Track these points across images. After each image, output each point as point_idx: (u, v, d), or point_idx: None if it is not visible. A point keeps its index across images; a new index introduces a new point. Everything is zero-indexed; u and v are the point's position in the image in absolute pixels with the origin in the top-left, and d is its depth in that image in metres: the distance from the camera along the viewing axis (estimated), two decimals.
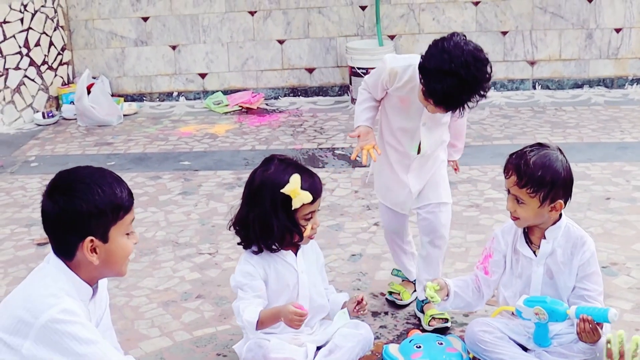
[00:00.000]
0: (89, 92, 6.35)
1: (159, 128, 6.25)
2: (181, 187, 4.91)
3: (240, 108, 6.66)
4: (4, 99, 6.25)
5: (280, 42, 6.85)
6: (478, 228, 4.12)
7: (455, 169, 3.46)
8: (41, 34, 6.53)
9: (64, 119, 6.53)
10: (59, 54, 6.76)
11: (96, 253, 2.21)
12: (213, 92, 6.92)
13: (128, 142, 5.90)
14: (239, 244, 2.86)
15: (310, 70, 6.90)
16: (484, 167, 5.00)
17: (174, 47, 6.87)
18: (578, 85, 6.81)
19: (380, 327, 3.22)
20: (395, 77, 2.99)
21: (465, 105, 2.84)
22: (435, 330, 3.15)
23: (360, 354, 2.85)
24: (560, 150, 2.76)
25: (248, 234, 2.80)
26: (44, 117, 6.42)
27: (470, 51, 2.75)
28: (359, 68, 6.40)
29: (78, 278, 2.23)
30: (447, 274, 3.56)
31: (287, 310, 2.65)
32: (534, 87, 6.84)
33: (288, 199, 2.71)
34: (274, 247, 2.80)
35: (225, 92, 6.89)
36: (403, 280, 3.47)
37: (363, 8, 6.76)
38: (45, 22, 6.57)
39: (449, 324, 3.18)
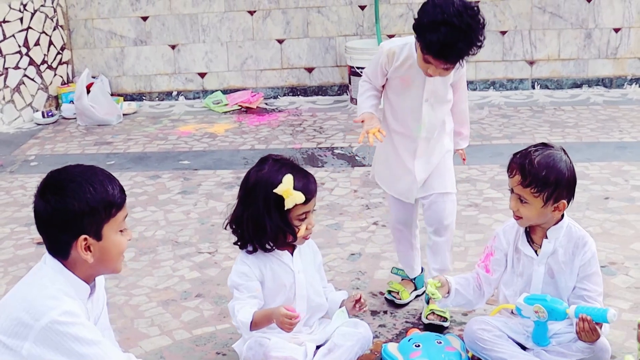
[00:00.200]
0: (88, 92, 6.36)
1: (158, 127, 6.25)
2: (180, 187, 4.92)
3: (240, 107, 6.67)
4: (4, 98, 6.26)
5: (280, 41, 6.85)
6: (477, 227, 4.13)
7: (463, 159, 3.44)
8: (41, 33, 6.54)
9: (64, 118, 6.54)
10: (58, 53, 6.77)
11: (90, 251, 2.21)
12: (212, 92, 6.93)
13: (127, 141, 5.90)
14: (234, 243, 2.87)
15: (310, 70, 6.91)
16: (483, 166, 5.01)
17: (173, 47, 6.88)
18: (577, 84, 6.82)
19: (380, 326, 3.23)
20: (393, 56, 3.07)
21: (465, 56, 2.89)
22: (431, 326, 3.16)
23: (359, 353, 2.86)
24: (564, 150, 2.77)
25: (243, 233, 2.82)
26: (43, 116, 6.43)
27: (460, 2, 2.84)
28: (358, 67, 6.40)
29: (75, 277, 2.23)
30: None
31: (279, 312, 2.65)
32: (533, 87, 6.85)
33: (281, 199, 2.71)
34: (267, 246, 2.81)
35: (224, 92, 6.89)
36: (403, 279, 3.47)
37: (362, 8, 6.77)
38: (44, 22, 6.57)
39: (447, 324, 3.19)
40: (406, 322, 3.26)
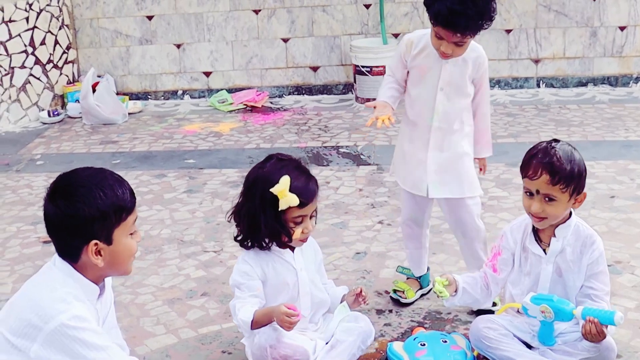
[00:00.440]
0: (94, 91, 6.36)
1: (163, 126, 6.26)
2: (186, 185, 4.92)
3: (245, 106, 6.67)
4: (10, 98, 6.27)
5: (285, 40, 6.85)
6: None
7: (481, 170, 3.37)
8: (46, 32, 6.55)
9: (69, 117, 6.55)
10: (64, 52, 6.78)
11: (101, 255, 2.21)
12: (218, 91, 6.93)
13: (133, 140, 5.91)
14: (235, 239, 2.87)
15: (315, 69, 6.91)
16: (488, 165, 4.95)
17: (178, 46, 6.89)
18: (582, 83, 6.81)
19: (385, 325, 3.23)
20: (411, 45, 3.15)
21: (474, 26, 2.91)
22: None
23: (362, 347, 2.87)
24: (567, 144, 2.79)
25: (241, 227, 2.84)
26: (49, 115, 6.44)
27: None
28: (363, 66, 6.41)
29: (85, 279, 2.23)
30: (451, 271, 3.57)
31: (279, 310, 2.66)
32: (538, 85, 6.84)
33: (277, 198, 2.71)
34: (263, 243, 2.81)
35: (229, 91, 6.90)
36: (408, 278, 3.48)
37: (367, 6, 6.77)
38: (50, 21, 6.58)
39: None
40: (411, 320, 3.26)
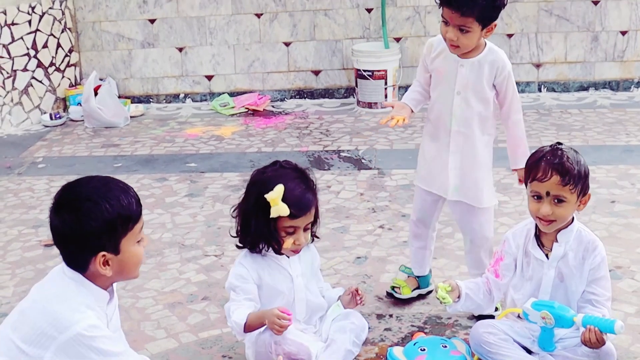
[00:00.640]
0: (96, 94, 6.38)
1: (165, 130, 6.27)
2: (187, 189, 4.93)
3: (247, 110, 6.68)
4: (12, 101, 6.28)
5: (287, 44, 6.86)
6: None
7: (520, 181, 3.20)
8: (49, 35, 6.56)
9: (71, 120, 6.56)
10: (66, 55, 6.79)
11: (109, 265, 2.22)
12: (219, 94, 6.94)
13: (135, 143, 5.92)
14: (230, 233, 2.89)
15: (316, 73, 6.92)
16: None
17: (180, 49, 6.90)
18: (584, 87, 6.81)
19: (385, 329, 3.23)
20: (430, 48, 3.23)
21: (479, 5, 2.91)
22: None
23: (356, 342, 2.88)
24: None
25: (236, 223, 2.86)
26: (51, 118, 6.45)
27: None
28: (364, 70, 6.41)
29: (96, 287, 2.25)
30: (452, 276, 3.58)
31: (272, 312, 2.68)
32: (540, 90, 6.84)
33: (269, 205, 2.72)
34: (258, 247, 2.83)
35: (231, 94, 6.91)
36: (409, 277, 3.50)
37: (369, 11, 6.78)
38: (52, 24, 6.60)
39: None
40: (412, 325, 3.26)
